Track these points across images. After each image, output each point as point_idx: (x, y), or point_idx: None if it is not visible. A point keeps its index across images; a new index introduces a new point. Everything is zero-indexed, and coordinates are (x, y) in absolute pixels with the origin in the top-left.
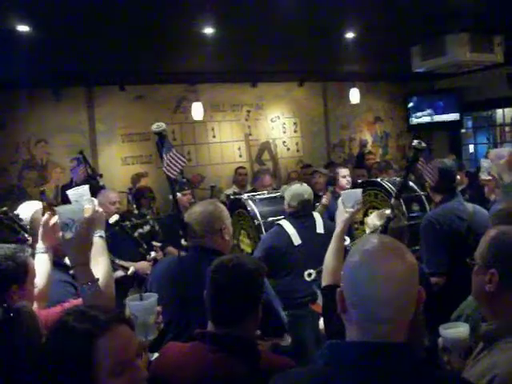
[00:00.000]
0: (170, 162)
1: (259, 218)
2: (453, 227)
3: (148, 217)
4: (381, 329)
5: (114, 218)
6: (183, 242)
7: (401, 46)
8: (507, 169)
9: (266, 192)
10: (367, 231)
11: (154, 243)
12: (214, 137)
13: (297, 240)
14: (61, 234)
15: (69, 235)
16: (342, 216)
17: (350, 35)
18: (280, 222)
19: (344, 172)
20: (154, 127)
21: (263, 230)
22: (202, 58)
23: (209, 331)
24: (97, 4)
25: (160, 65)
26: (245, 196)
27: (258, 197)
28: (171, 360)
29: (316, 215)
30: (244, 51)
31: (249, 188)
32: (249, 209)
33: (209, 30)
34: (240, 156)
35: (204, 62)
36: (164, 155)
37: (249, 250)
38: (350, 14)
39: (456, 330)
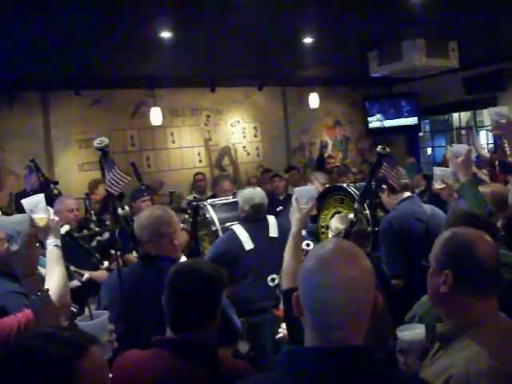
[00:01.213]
0: (112, 179)
1: (217, 223)
2: (412, 229)
3: (107, 222)
4: (336, 334)
5: (64, 229)
6: (134, 253)
7: (358, 51)
8: (464, 167)
9: (230, 197)
10: (330, 235)
11: (113, 252)
12: (173, 142)
13: (249, 244)
14: (6, 245)
15: (14, 247)
16: (296, 214)
17: (308, 40)
18: (232, 226)
19: (322, 179)
20: (97, 142)
21: (220, 235)
22: (160, 62)
23: (167, 337)
24: (52, 5)
25: (116, 69)
26: (205, 202)
27: (218, 202)
28: (129, 368)
29: (270, 219)
30: (202, 56)
31: (209, 193)
32: (207, 215)
33: (166, 34)
34: (200, 161)
35: (162, 67)
36: (106, 172)
37: None
38: (308, 19)
39: (412, 332)
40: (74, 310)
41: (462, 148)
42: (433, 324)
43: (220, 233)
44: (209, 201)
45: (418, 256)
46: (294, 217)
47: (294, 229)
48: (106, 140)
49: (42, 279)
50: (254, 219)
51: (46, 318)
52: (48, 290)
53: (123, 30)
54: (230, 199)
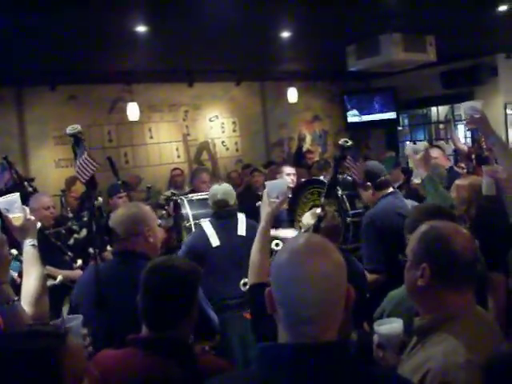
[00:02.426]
0: (82, 165)
1: (190, 219)
2: (393, 224)
3: (85, 220)
4: (309, 328)
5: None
6: (108, 247)
7: (336, 45)
8: (423, 164)
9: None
10: (302, 230)
11: (91, 249)
12: (151, 138)
13: (215, 241)
14: None
15: None
16: (266, 208)
17: (285, 34)
18: (201, 222)
19: (288, 170)
20: (69, 129)
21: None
22: (136, 57)
23: (142, 335)
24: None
25: (93, 64)
26: (183, 197)
27: (195, 197)
28: (104, 368)
29: (240, 216)
30: (179, 50)
31: (187, 189)
32: (183, 210)
33: (141, 29)
34: (178, 157)
35: (139, 62)
36: (78, 158)
37: None
38: (286, 12)
39: (390, 326)
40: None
41: (420, 145)
42: (404, 319)
43: (193, 228)
44: (186, 196)
45: (399, 251)
46: (264, 211)
47: (262, 223)
48: (78, 126)
49: (14, 282)
50: (220, 215)
51: (15, 328)
52: (17, 299)
53: (99, 25)
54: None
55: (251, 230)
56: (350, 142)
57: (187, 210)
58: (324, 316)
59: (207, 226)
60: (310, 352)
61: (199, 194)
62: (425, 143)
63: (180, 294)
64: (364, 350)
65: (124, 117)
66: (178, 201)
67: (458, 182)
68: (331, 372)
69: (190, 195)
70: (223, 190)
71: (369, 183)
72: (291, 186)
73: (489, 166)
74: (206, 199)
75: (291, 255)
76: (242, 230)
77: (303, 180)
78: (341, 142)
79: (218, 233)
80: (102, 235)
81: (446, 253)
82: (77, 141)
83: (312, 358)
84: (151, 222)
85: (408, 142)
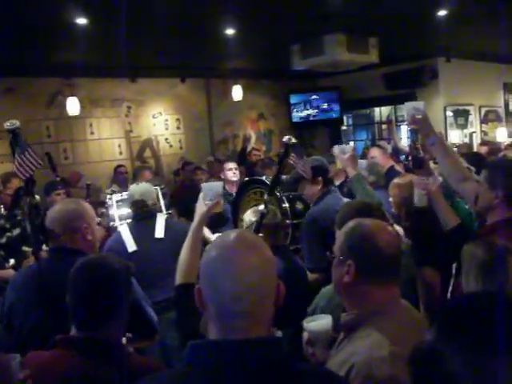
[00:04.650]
0: (24, 162)
1: (116, 220)
2: (333, 222)
3: (18, 218)
4: (239, 323)
5: None
6: (44, 246)
7: (281, 43)
8: (350, 163)
9: None
10: (244, 227)
11: (25, 248)
12: (92, 133)
13: (131, 246)
14: None
15: None
16: (200, 209)
17: (230, 31)
18: (119, 227)
19: (230, 165)
20: (7, 124)
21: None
22: (77, 50)
23: (71, 336)
24: None
25: (31, 56)
26: (112, 196)
27: (126, 198)
28: (32, 370)
29: (159, 218)
30: (122, 44)
31: (130, 187)
32: (110, 212)
33: (81, 21)
34: (120, 153)
35: (80, 55)
36: (17, 155)
37: None
38: (230, 9)
39: (318, 323)
40: None
41: (347, 146)
42: (336, 314)
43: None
44: (114, 196)
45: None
46: (197, 211)
47: (194, 223)
48: (16, 122)
49: None
50: (138, 217)
51: None
52: None
53: (37, 15)
54: None
55: (171, 231)
56: (293, 140)
57: (113, 211)
58: (252, 311)
59: (124, 229)
60: (238, 349)
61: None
62: (351, 145)
63: (109, 293)
64: (296, 347)
65: (63, 111)
66: (106, 200)
67: (396, 180)
68: (259, 368)
69: (120, 194)
70: (141, 189)
71: (320, 178)
72: (235, 179)
73: (419, 178)
74: None
75: (221, 250)
76: (160, 232)
77: (247, 178)
78: (285, 139)
79: (134, 237)
80: (37, 234)
81: (370, 249)
82: (15, 137)
83: (240, 355)
84: (90, 220)
85: (351, 142)
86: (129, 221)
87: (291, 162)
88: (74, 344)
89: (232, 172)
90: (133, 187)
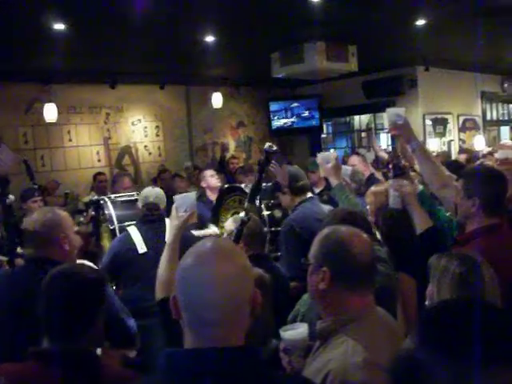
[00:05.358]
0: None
1: (115, 221)
2: (313, 230)
3: None
4: (213, 332)
5: None
6: (19, 249)
7: (261, 51)
8: (333, 172)
9: (134, 194)
10: (225, 236)
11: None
12: (70, 140)
13: (142, 248)
14: None
15: None
16: (173, 222)
17: (209, 38)
18: (128, 228)
19: (211, 172)
20: None
21: (118, 234)
22: (55, 55)
23: (43, 348)
24: None
25: (7, 61)
26: (105, 198)
27: (119, 199)
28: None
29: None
30: (100, 50)
31: (109, 194)
32: (106, 212)
33: (59, 26)
34: (99, 161)
35: (58, 61)
36: None
37: None
38: (209, 16)
39: (295, 332)
40: None
41: (330, 155)
42: (314, 322)
43: (117, 232)
44: (111, 196)
45: None
46: (172, 224)
47: (170, 237)
48: None
49: None
50: (148, 219)
51: None
52: None
53: (15, 20)
54: (134, 196)
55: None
56: (274, 147)
57: (110, 211)
58: (228, 319)
59: (134, 230)
60: (213, 357)
61: (122, 195)
62: (334, 153)
63: (82, 303)
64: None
65: (41, 118)
66: (101, 202)
67: (373, 188)
68: (233, 378)
69: (112, 196)
70: (156, 193)
71: (286, 188)
72: (219, 184)
73: (395, 180)
74: (129, 201)
75: (196, 258)
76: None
77: (226, 186)
78: (266, 146)
79: (144, 239)
80: (12, 236)
81: (345, 256)
82: None
83: (215, 364)
84: (67, 229)
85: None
86: (128, 224)
87: (271, 169)
88: (47, 356)
89: (215, 178)
90: (148, 190)
